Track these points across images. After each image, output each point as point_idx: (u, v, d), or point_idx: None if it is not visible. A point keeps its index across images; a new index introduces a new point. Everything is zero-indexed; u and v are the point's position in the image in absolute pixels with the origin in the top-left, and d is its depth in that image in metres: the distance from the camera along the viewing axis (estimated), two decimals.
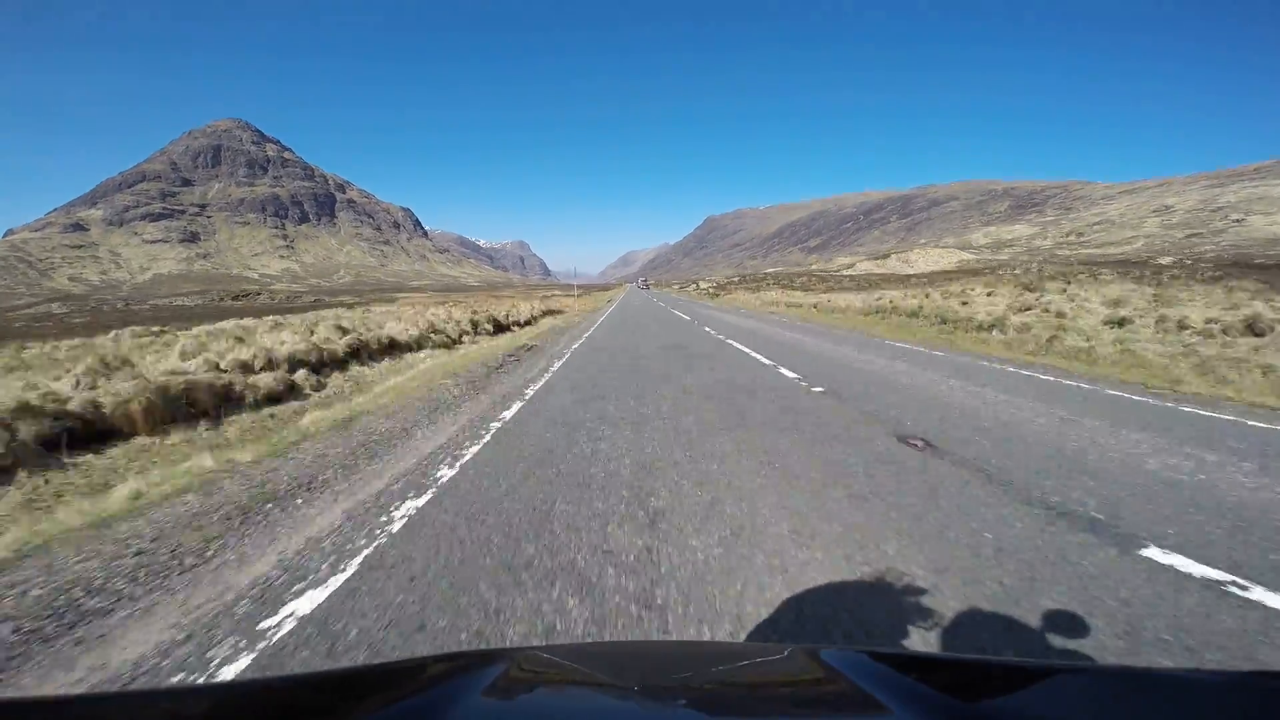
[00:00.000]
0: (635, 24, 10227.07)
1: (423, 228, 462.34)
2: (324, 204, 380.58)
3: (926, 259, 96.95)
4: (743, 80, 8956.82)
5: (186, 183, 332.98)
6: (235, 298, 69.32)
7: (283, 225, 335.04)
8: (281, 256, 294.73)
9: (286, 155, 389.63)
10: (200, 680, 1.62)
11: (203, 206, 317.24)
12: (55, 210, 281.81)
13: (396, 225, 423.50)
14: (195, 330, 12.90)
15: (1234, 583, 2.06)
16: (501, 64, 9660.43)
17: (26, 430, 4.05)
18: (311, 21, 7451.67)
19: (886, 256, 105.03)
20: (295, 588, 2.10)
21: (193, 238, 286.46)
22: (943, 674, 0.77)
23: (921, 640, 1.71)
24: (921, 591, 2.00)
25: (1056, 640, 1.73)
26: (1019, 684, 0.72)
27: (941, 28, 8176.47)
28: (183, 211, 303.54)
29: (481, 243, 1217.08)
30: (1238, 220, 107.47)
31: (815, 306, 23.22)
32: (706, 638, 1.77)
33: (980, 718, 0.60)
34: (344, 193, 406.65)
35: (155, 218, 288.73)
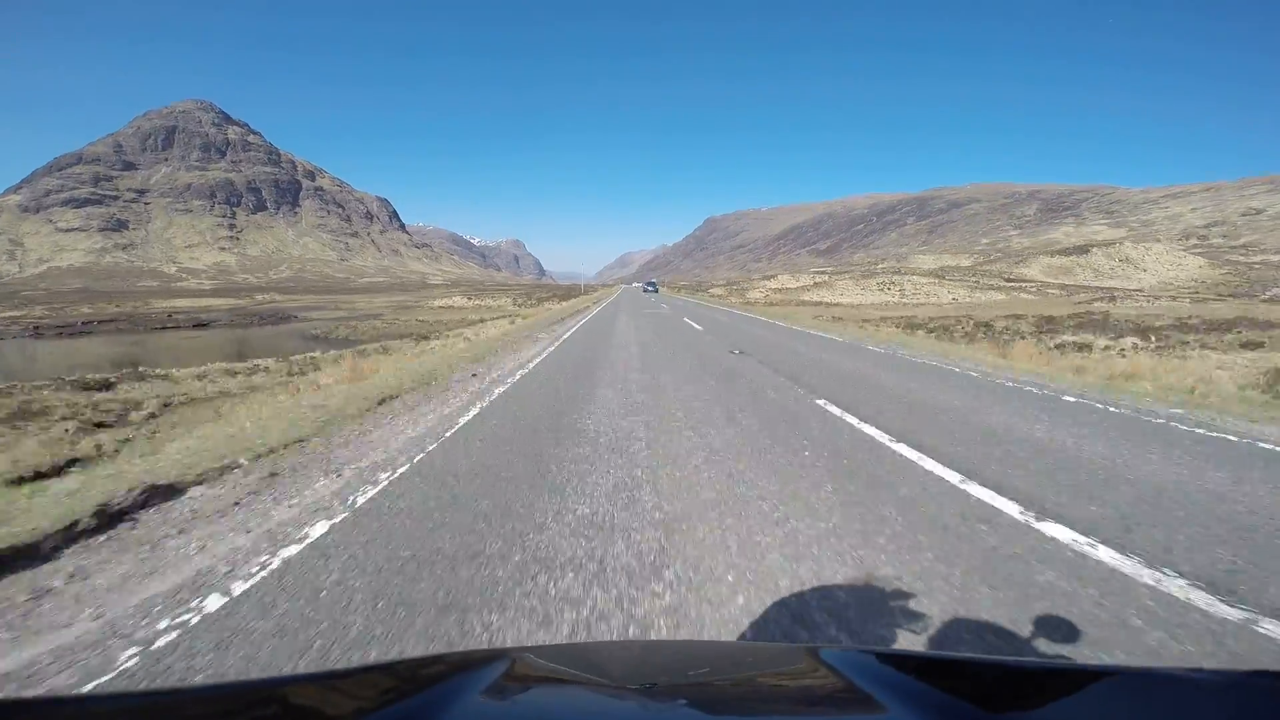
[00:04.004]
0: (637, 21, 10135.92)
1: (399, 220, 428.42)
2: (286, 191, 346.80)
3: (1160, 262, 63.37)
4: (746, 79, 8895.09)
5: (130, 166, 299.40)
6: None
7: (233, 213, 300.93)
8: (221, 248, 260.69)
9: (251, 139, 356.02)
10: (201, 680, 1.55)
11: (141, 192, 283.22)
12: None
13: (369, 216, 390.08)
14: None
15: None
16: (502, 59, 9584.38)
17: None
18: (306, 10, 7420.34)
19: (1086, 250, 71.31)
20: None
21: (119, 226, 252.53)
22: (943, 675, 0.77)
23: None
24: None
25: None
26: (1019, 685, 0.72)
27: (945, 29, 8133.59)
28: (115, 198, 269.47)
29: (475, 240, 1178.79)
30: None
31: None
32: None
33: (979, 718, 0.60)
34: (313, 180, 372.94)
35: (80, 204, 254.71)
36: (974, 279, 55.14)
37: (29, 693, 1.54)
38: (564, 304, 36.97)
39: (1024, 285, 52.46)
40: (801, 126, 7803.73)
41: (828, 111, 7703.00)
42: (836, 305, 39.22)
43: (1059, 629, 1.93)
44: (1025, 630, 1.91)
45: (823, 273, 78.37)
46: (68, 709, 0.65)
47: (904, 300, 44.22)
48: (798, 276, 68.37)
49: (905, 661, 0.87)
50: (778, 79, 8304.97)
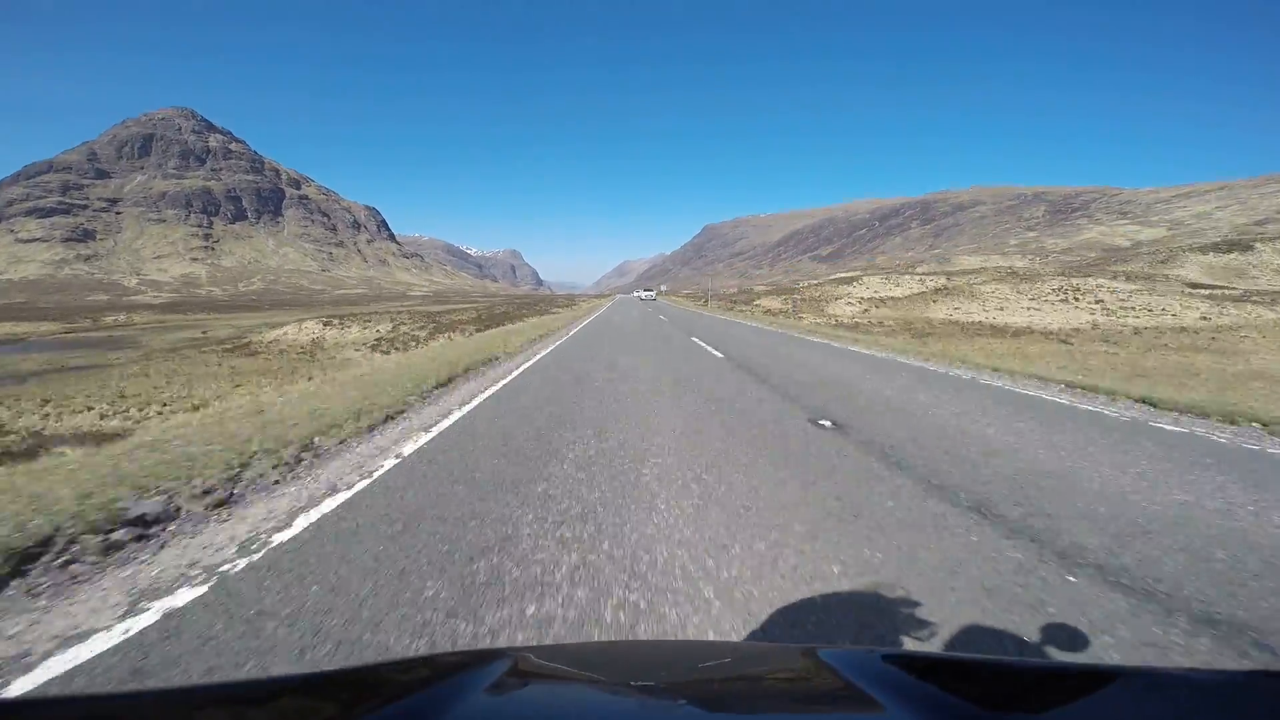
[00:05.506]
0: (633, 30, 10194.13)
1: (388, 229, 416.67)
2: (268, 200, 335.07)
3: None
4: (743, 87, 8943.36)
5: (103, 175, 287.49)
6: None
7: (209, 223, 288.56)
8: (194, 259, 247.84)
9: (233, 147, 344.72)
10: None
11: (113, 201, 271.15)
12: None
13: (356, 225, 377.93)
14: None
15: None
16: (498, 70, 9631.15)
17: None
18: (301, 23, 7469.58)
19: (1248, 247, 56.99)
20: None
21: (85, 236, 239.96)
22: (943, 675, 0.76)
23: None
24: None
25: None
26: (1019, 685, 0.72)
27: (942, 35, 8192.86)
28: (84, 207, 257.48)
29: (472, 251, 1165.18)
30: None
31: None
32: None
33: (979, 718, 0.60)
34: (298, 189, 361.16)
35: (45, 213, 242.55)
36: (1146, 285, 40.50)
37: (29, 693, 1.52)
38: (476, 339, 15.16)
39: (1229, 294, 37.76)
40: (800, 133, 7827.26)
41: (827, 117, 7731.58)
42: (1031, 332, 24.44)
43: None
44: None
45: (931, 275, 56.02)
46: (68, 709, 0.65)
47: (1119, 321, 28.28)
48: (895, 280, 48.85)
49: (905, 661, 0.88)
50: (775, 86, 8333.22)
